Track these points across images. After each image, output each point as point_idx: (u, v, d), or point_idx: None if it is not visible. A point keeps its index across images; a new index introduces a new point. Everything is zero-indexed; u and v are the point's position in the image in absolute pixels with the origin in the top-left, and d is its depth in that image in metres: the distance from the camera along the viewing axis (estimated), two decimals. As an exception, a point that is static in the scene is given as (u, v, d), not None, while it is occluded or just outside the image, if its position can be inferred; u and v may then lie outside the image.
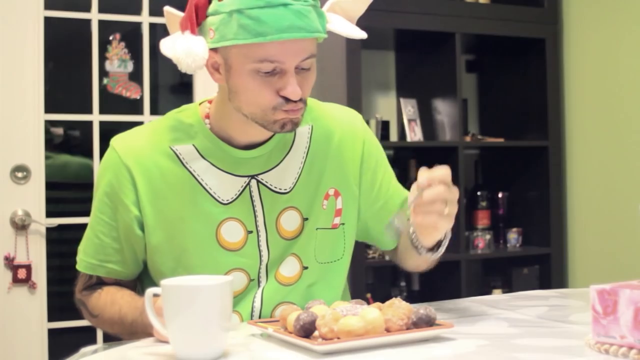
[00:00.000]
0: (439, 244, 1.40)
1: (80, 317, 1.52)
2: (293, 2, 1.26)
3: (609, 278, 1.94)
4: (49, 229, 2.75)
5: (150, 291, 1.16)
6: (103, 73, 2.91)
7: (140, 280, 1.51)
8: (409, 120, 3.19)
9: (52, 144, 2.87)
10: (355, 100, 2.85)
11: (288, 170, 1.44)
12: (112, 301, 1.42)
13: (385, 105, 3.36)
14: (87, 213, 1.50)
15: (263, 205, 1.42)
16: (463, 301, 1.58)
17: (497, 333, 1.24)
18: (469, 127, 3.49)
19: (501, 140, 3.33)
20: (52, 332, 2.75)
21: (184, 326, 1.09)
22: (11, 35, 2.70)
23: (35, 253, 2.72)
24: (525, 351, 1.10)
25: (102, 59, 2.90)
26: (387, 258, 3.04)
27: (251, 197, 1.42)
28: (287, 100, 1.30)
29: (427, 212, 1.28)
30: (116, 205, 1.42)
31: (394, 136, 3.24)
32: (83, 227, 1.50)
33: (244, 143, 1.42)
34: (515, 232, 3.31)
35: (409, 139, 3.16)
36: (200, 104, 1.46)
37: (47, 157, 2.78)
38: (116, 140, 1.45)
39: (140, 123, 1.56)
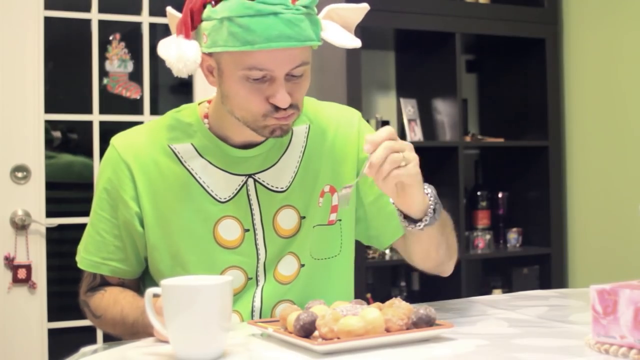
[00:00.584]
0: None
1: (80, 317, 1.52)
2: (284, 10, 1.25)
3: (609, 278, 1.94)
4: (49, 229, 2.75)
5: (150, 291, 1.17)
6: (103, 73, 2.91)
7: (142, 280, 1.52)
8: (409, 120, 3.20)
9: (53, 144, 2.87)
10: (355, 100, 2.86)
11: (285, 169, 1.45)
12: (114, 301, 1.42)
13: (385, 105, 3.37)
14: (87, 213, 1.50)
15: (260, 204, 1.43)
16: (463, 301, 1.58)
17: (497, 333, 1.24)
18: (469, 127, 3.49)
19: (501, 140, 3.34)
20: (52, 332, 2.75)
21: (184, 326, 1.09)
22: (11, 35, 2.70)
23: (35, 253, 2.72)
24: (525, 351, 1.10)
25: (102, 59, 2.91)
26: (387, 258, 3.04)
27: (248, 195, 1.42)
28: (277, 107, 1.31)
29: (384, 175, 1.23)
30: (116, 203, 1.43)
31: (394, 136, 3.24)
32: (83, 227, 1.51)
33: (242, 142, 1.43)
34: (515, 232, 3.32)
35: (409, 139, 3.16)
36: (199, 103, 1.47)
37: (47, 157, 2.78)
38: (116, 139, 1.46)
39: (140, 123, 1.56)
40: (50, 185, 2.78)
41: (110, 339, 1.41)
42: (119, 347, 1.23)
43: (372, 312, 1.15)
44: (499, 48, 3.40)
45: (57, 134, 2.89)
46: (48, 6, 2.76)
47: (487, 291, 3.26)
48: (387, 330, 1.15)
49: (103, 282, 1.48)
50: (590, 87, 3.21)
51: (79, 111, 2.88)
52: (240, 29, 1.25)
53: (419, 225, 1.33)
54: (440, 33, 3.08)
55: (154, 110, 2.95)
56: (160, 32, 2.95)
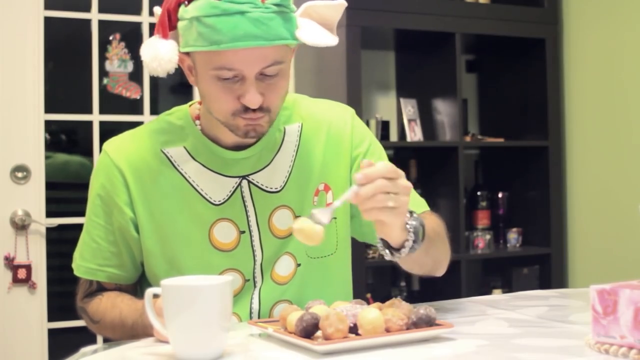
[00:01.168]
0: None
1: (80, 318, 1.52)
2: (251, 9, 1.24)
3: (609, 278, 1.94)
4: (49, 229, 2.75)
5: (150, 291, 1.16)
6: (103, 73, 2.91)
7: (140, 285, 1.51)
8: (409, 120, 3.19)
9: (52, 144, 2.87)
10: (355, 100, 2.85)
11: (278, 170, 1.44)
12: (112, 305, 1.42)
13: (385, 105, 3.36)
14: (85, 213, 1.50)
15: (255, 205, 1.42)
16: (463, 301, 1.58)
17: (497, 333, 1.24)
18: (469, 127, 3.49)
19: (501, 140, 3.33)
20: (52, 332, 2.75)
21: (184, 326, 1.09)
22: (11, 35, 2.70)
23: (35, 253, 2.72)
24: (525, 351, 1.10)
25: (102, 59, 2.91)
26: (387, 259, 3.04)
27: (242, 197, 1.42)
28: (247, 108, 1.30)
29: (368, 208, 1.20)
30: (111, 209, 1.42)
31: (394, 136, 3.24)
32: (83, 227, 1.50)
33: (233, 143, 1.42)
34: (515, 232, 3.31)
35: (409, 139, 3.16)
36: (190, 105, 1.47)
37: (47, 157, 2.78)
38: (108, 144, 1.45)
39: (140, 123, 1.56)
40: (50, 185, 2.78)
41: (111, 340, 1.41)
42: (119, 347, 1.23)
43: (372, 312, 1.15)
44: (499, 48, 3.40)
45: (56, 135, 2.89)
46: (48, 6, 2.76)
47: (487, 291, 3.26)
48: (387, 330, 1.15)
49: (100, 288, 1.47)
50: (590, 87, 3.21)
51: (79, 111, 2.88)
52: (207, 28, 1.25)
53: (398, 255, 1.30)
54: (440, 33, 3.08)
55: (154, 110, 2.95)
56: (160, 32, 2.95)
